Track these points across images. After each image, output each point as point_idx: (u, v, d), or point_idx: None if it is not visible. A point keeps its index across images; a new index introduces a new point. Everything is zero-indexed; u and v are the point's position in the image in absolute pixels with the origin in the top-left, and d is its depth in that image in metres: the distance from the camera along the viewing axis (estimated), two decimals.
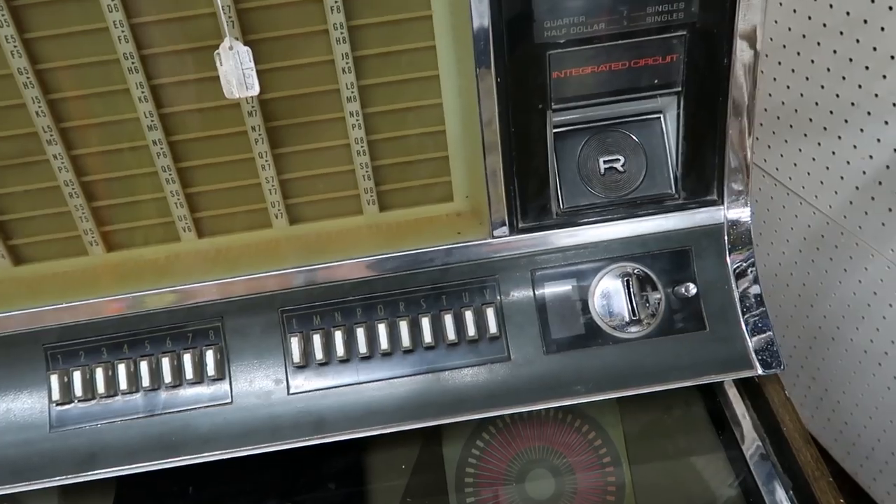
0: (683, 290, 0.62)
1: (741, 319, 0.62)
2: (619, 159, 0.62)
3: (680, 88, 0.59)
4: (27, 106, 0.62)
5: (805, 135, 1.01)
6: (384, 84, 0.64)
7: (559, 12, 0.56)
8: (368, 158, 0.67)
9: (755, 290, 0.63)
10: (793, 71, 0.99)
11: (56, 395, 0.64)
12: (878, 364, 1.03)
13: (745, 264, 0.63)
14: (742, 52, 0.58)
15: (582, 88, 0.59)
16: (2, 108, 0.62)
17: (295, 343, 0.63)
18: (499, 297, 0.64)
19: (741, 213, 0.62)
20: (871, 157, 0.92)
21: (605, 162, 0.62)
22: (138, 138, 0.65)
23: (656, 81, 0.59)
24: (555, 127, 0.61)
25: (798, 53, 0.97)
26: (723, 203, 0.63)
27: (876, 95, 0.88)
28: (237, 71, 0.58)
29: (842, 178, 0.97)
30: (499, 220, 0.63)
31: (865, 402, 1.08)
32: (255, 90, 0.59)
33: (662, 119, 0.62)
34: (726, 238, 0.63)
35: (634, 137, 0.62)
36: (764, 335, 0.62)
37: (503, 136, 0.60)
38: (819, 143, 0.99)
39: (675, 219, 0.63)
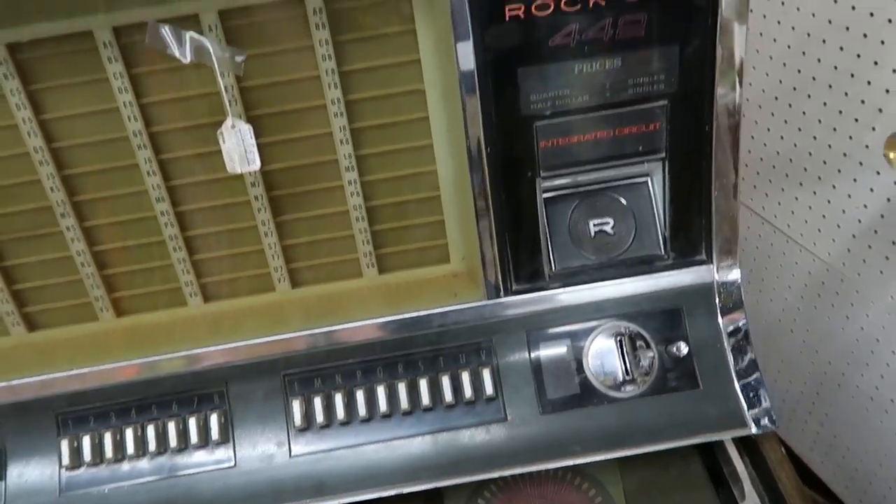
0: (675, 349, 0.63)
1: (734, 378, 0.63)
2: (608, 222, 0.64)
3: (664, 154, 0.61)
4: (42, 182, 0.65)
5: (801, 183, 1.02)
6: (380, 153, 0.67)
7: (544, 86, 0.58)
8: (367, 224, 0.69)
9: (748, 349, 0.64)
10: (785, 122, 1.01)
11: (66, 461, 0.66)
12: (885, 411, 1.03)
13: (736, 323, 0.64)
14: (723, 119, 0.60)
15: (569, 156, 0.61)
16: (19, 185, 0.65)
17: (297, 406, 0.65)
18: (495, 359, 0.65)
19: (731, 273, 0.64)
20: (865, 206, 0.93)
21: (594, 225, 0.64)
22: (147, 209, 0.68)
23: (641, 148, 0.61)
24: (545, 191, 0.64)
25: (789, 105, 1.00)
26: (712, 262, 0.65)
27: (867, 146, 0.90)
28: (239, 148, 0.61)
29: (838, 226, 0.98)
30: (493, 284, 0.65)
31: (875, 448, 1.08)
32: (257, 165, 0.62)
33: (650, 182, 0.64)
34: (717, 297, 0.64)
35: (623, 200, 0.64)
36: (757, 393, 0.63)
37: (494, 203, 0.63)
38: (815, 192, 1.00)
39: (666, 279, 0.65)
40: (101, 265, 0.70)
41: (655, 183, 0.64)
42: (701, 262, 0.65)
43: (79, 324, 0.72)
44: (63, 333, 0.72)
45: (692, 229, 0.64)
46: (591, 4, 0.55)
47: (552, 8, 0.55)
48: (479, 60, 0.57)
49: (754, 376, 0.63)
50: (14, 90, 0.62)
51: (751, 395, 0.62)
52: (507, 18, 0.56)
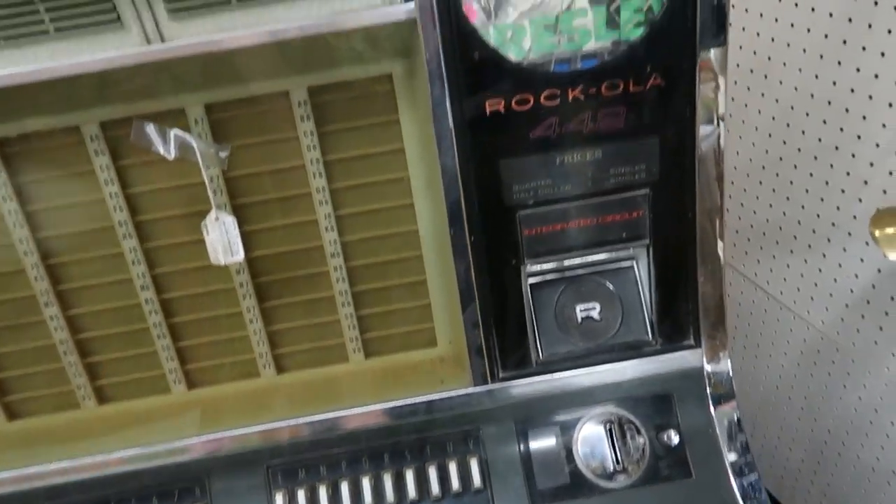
0: (666, 437, 0.62)
1: (728, 468, 0.61)
2: (595, 307, 0.64)
3: (648, 241, 0.61)
4: (26, 271, 0.65)
5: (791, 251, 1.02)
6: (366, 239, 0.67)
7: (526, 177, 0.59)
8: (353, 309, 0.69)
9: (740, 435, 0.62)
10: (773, 190, 1.02)
11: None
12: (888, 483, 1.00)
13: (729, 411, 0.63)
14: (704, 205, 0.60)
15: (554, 244, 0.61)
16: (2, 275, 0.65)
17: (280, 500, 0.63)
18: (482, 448, 0.64)
19: (721, 362, 0.63)
20: (856, 275, 0.93)
21: (581, 310, 0.64)
22: (131, 297, 0.67)
23: (625, 235, 0.61)
24: (530, 276, 0.63)
25: (776, 174, 1.00)
26: (700, 347, 0.64)
27: (854, 217, 0.90)
28: (223, 239, 0.61)
29: (831, 294, 0.98)
30: (479, 372, 0.64)
31: None
32: (240, 257, 0.62)
33: (635, 266, 0.64)
34: (708, 385, 0.63)
35: (609, 285, 0.64)
36: (752, 483, 0.61)
37: (480, 291, 0.62)
38: (805, 260, 1.00)
39: (654, 364, 0.64)
40: (83, 353, 0.69)
41: (641, 267, 0.64)
42: (689, 347, 0.64)
43: (60, 412, 0.70)
44: (43, 422, 0.70)
45: (679, 314, 0.63)
46: (570, 98, 0.56)
47: (532, 102, 0.56)
48: (460, 153, 0.57)
49: (748, 462, 0.61)
50: (1, 183, 0.62)
51: (745, 485, 0.61)
52: (487, 113, 0.56)
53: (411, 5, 0.53)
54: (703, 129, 0.58)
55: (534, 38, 0.54)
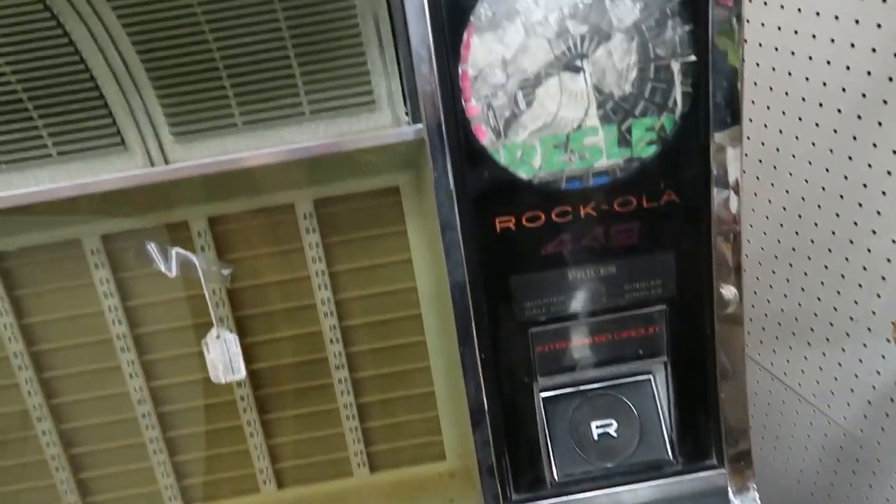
0: None
1: None
2: (611, 424, 0.61)
3: (665, 358, 0.59)
4: (20, 386, 0.63)
5: (808, 343, 0.99)
6: (372, 350, 0.64)
7: (538, 293, 0.57)
8: (358, 421, 0.66)
9: None
10: (787, 281, 1.00)
11: None
12: None
13: None
14: (724, 319, 0.58)
15: (567, 360, 0.59)
16: None
17: None
18: None
19: (748, 491, 0.60)
20: (878, 372, 0.90)
21: (597, 427, 0.61)
22: (127, 411, 0.65)
23: (641, 352, 0.59)
24: (542, 390, 0.61)
25: (790, 265, 0.98)
26: (724, 467, 0.61)
27: (873, 313, 0.88)
28: (224, 357, 0.59)
29: (852, 390, 0.94)
30: (491, 493, 0.61)
31: None
32: (242, 375, 0.59)
33: (653, 380, 0.61)
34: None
35: (626, 400, 0.61)
36: None
37: (491, 409, 0.60)
38: (824, 353, 0.97)
39: (676, 485, 0.61)
40: (76, 469, 0.66)
41: (659, 381, 0.61)
42: (712, 467, 0.61)
43: None
44: None
45: (699, 432, 0.60)
46: (582, 215, 0.55)
47: (543, 219, 0.55)
48: (470, 269, 0.56)
49: None
50: None
51: None
52: (497, 230, 0.55)
53: (420, 126, 0.52)
54: (719, 243, 0.56)
55: (544, 156, 0.53)
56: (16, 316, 0.62)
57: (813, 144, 0.89)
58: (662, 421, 0.61)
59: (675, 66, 0.52)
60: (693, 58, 0.52)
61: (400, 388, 0.66)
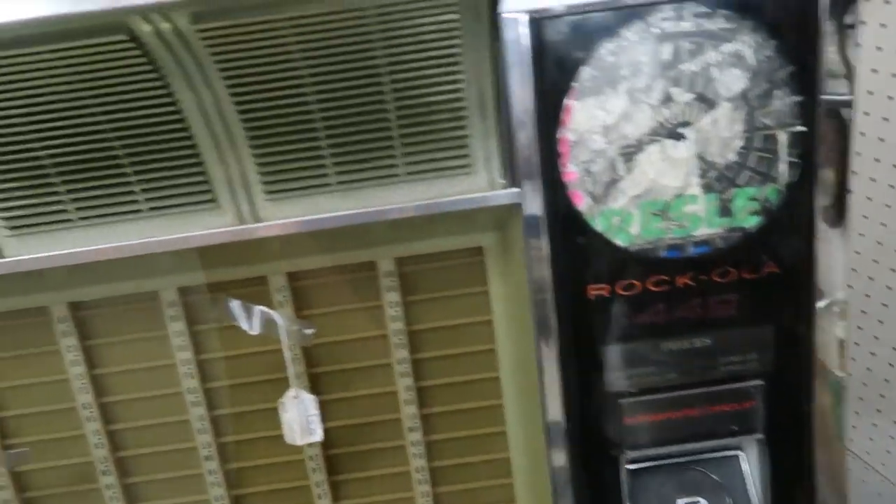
0: None
1: None
2: (698, 502, 0.58)
3: (761, 435, 0.56)
4: (87, 437, 0.62)
5: (878, 410, 0.95)
6: (447, 413, 0.62)
7: (630, 363, 0.55)
8: (430, 486, 0.64)
9: None
10: (857, 344, 0.96)
11: None
12: None
13: None
14: (825, 398, 0.55)
15: (656, 433, 0.56)
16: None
17: None
18: None
19: None
20: None
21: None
22: (193, 466, 0.63)
23: (734, 427, 0.56)
24: (629, 462, 0.58)
25: (859, 328, 0.95)
26: None
27: None
28: (301, 418, 0.57)
29: None
30: None
31: None
32: (318, 436, 0.58)
33: (741, 456, 0.58)
34: None
35: (714, 477, 0.58)
36: None
37: (574, 482, 0.57)
38: (894, 422, 0.93)
39: None
40: None
41: (750, 457, 0.58)
42: None
43: None
44: None
45: None
46: (679, 285, 0.53)
47: (639, 288, 0.53)
48: (561, 339, 0.54)
49: None
50: (70, 347, 0.59)
51: None
52: (590, 298, 0.53)
53: (517, 190, 0.51)
54: (821, 317, 0.54)
55: (642, 224, 0.52)
56: (87, 366, 0.61)
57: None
58: (752, 500, 0.58)
59: (782, 137, 0.50)
60: (802, 128, 0.50)
61: (474, 452, 0.63)
